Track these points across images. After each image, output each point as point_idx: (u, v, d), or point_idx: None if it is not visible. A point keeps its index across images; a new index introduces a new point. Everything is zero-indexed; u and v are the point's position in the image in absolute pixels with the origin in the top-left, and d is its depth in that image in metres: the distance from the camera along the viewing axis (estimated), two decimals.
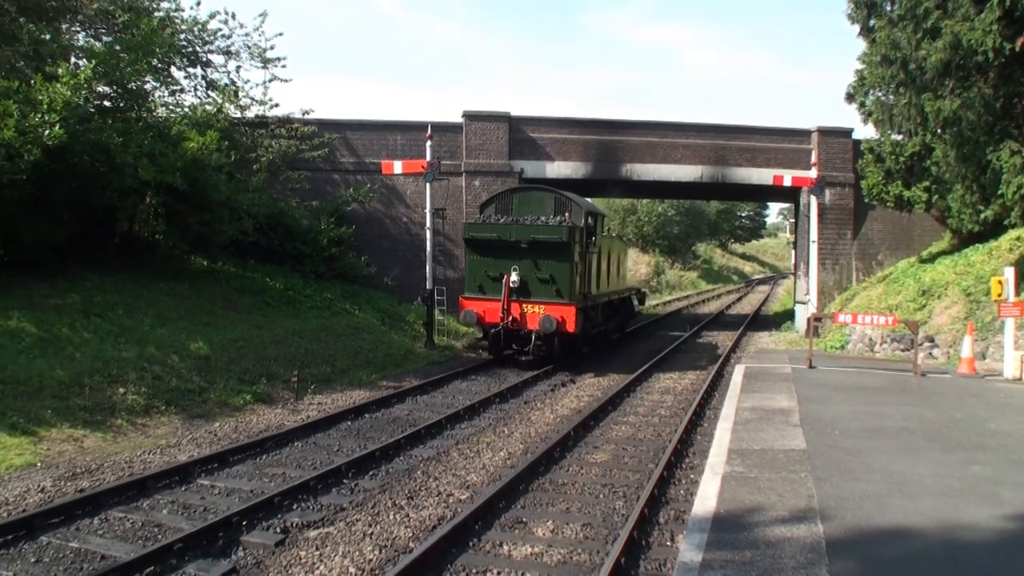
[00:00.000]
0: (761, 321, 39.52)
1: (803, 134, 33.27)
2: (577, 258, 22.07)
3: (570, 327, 21.41)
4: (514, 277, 21.92)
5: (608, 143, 32.42)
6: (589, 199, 30.30)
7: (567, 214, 22.62)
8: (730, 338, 29.91)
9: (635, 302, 31.78)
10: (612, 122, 32.97)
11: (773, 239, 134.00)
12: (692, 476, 12.24)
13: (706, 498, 9.69)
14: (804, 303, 31.63)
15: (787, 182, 29.08)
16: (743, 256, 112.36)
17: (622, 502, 11.08)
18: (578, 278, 22.23)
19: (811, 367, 20.16)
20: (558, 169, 31.91)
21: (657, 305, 46.42)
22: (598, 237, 24.28)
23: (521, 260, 21.95)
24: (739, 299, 58.49)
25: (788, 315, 37.87)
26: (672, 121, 33.27)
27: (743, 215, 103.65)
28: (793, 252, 41.53)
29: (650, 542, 9.66)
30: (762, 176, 32.58)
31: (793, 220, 45.68)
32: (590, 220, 23.37)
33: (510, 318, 21.84)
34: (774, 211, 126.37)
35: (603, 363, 24.06)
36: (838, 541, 8.10)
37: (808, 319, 23.34)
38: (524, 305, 21.86)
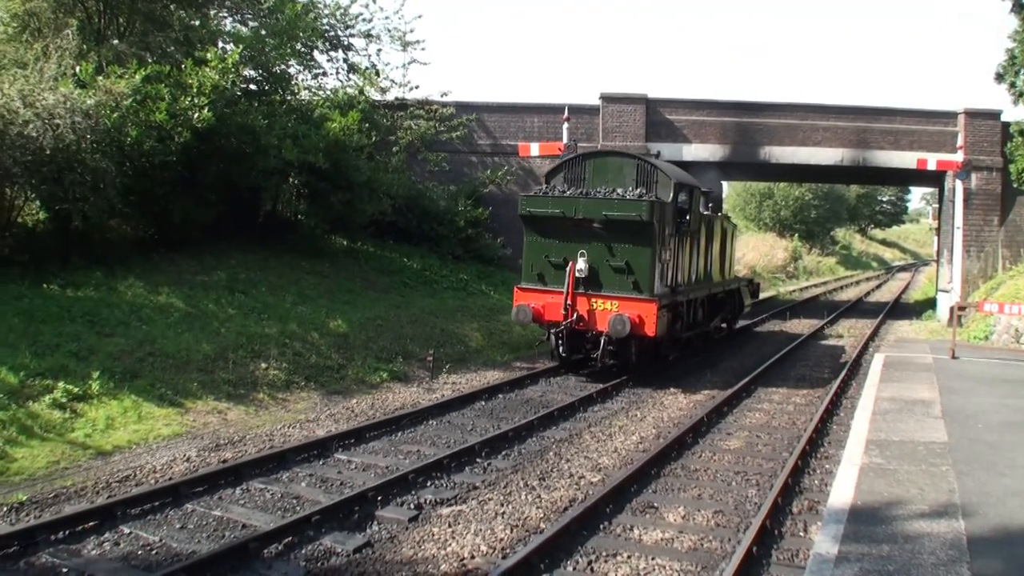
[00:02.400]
0: (901, 309, 38.21)
1: (948, 116, 31.81)
2: (662, 242, 17.56)
3: (649, 329, 16.92)
4: (581, 264, 17.42)
5: (746, 125, 31.71)
6: (723, 182, 28.85)
7: (653, 186, 18.03)
8: (869, 326, 28.96)
9: (746, 296, 26.28)
10: (751, 104, 32.22)
11: (915, 225, 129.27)
12: (827, 466, 11.87)
13: (843, 489, 9.42)
14: (947, 291, 30.47)
15: (931, 166, 28.00)
16: (883, 242, 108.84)
17: (755, 490, 10.82)
18: (663, 267, 17.77)
19: (954, 357, 19.37)
20: (695, 151, 31.38)
21: (793, 291, 45.37)
22: (693, 216, 19.46)
23: (591, 243, 17.47)
24: (879, 286, 56.71)
25: (930, 303, 36.50)
26: (813, 103, 32.23)
27: (884, 200, 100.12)
28: (936, 239, 39.98)
29: (783, 532, 9.40)
30: (905, 160, 31.28)
31: (936, 205, 44.08)
32: (682, 195, 18.72)
33: (574, 315, 17.38)
34: (916, 196, 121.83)
35: (713, 361, 23.51)
36: (980, 538, 7.76)
37: (951, 308, 22.48)
38: (593, 300, 17.39)
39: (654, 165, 18.35)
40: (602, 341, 17.33)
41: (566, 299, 17.33)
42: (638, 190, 17.77)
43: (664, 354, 19.34)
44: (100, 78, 17.48)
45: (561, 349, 18.36)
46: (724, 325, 24.90)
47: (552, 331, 18.06)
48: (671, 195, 17.98)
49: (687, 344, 20.86)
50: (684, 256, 19.21)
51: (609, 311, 17.07)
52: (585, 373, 18.40)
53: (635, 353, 17.87)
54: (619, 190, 17.82)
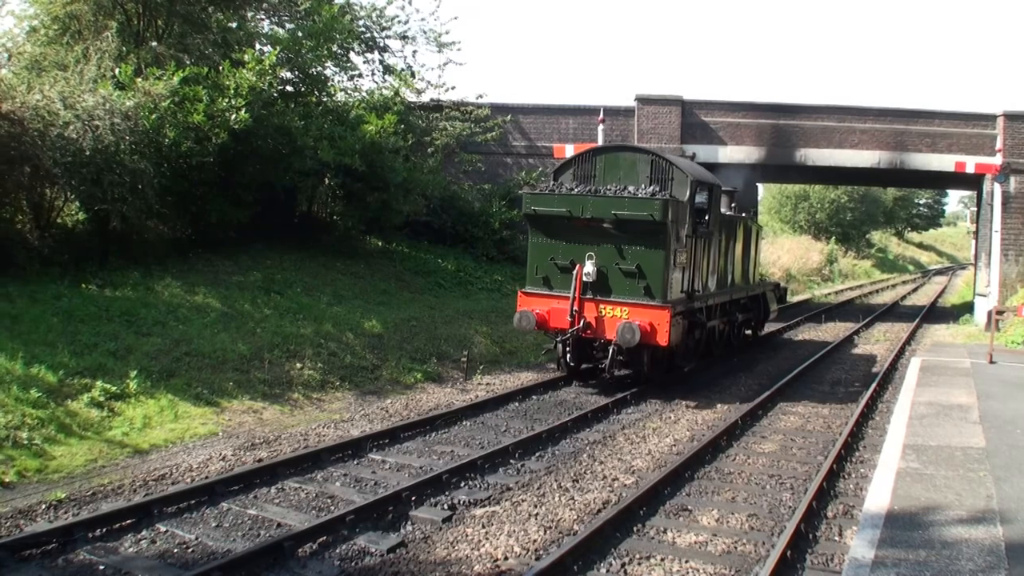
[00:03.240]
0: (938, 313, 37.77)
1: (987, 118, 31.34)
2: (677, 244, 16.29)
3: (661, 338, 15.64)
4: (588, 267, 16.23)
5: (782, 127, 31.47)
6: (759, 183, 28.19)
7: (668, 184, 16.71)
8: (905, 330, 28.64)
9: (772, 301, 24.70)
10: (787, 106, 31.96)
11: (952, 228, 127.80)
12: (863, 471, 11.75)
13: (879, 494, 9.35)
14: (984, 295, 30.07)
15: (970, 169, 27.65)
16: (920, 245, 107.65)
17: (789, 494, 10.74)
18: (678, 271, 16.50)
19: (991, 362, 19.14)
20: (730, 154, 31.19)
21: (828, 294, 45.01)
22: (713, 216, 18.11)
23: (600, 245, 16.28)
24: (915, 290, 56.12)
25: (967, 308, 36.04)
26: (849, 105, 31.93)
27: (920, 203, 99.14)
28: (973, 242, 39.54)
29: (817, 536, 9.32)
30: (943, 162, 30.85)
31: (974, 209, 43.55)
32: (701, 193, 17.48)
33: (581, 323, 16.19)
34: (954, 199, 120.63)
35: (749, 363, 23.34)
36: (1019, 545, 7.67)
37: (989, 312, 22.19)
38: (601, 306, 16.20)
39: (670, 161, 17.05)
40: (611, 350, 16.08)
41: (572, 305, 16.15)
42: (651, 188, 16.50)
43: (679, 365, 17.88)
44: (139, 80, 17.68)
45: (568, 358, 17.27)
46: (749, 332, 24.06)
47: (558, 339, 17.05)
48: (688, 193, 16.67)
49: (707, 353, 19.74)
50: (702, 259, 17.98)
51: (618, 318, 15.89)
52: (595, 384, 17.42)
53: (647, 363, 16.66)
54: (631, 188, 16.59)
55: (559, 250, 16.70)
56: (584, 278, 16.23)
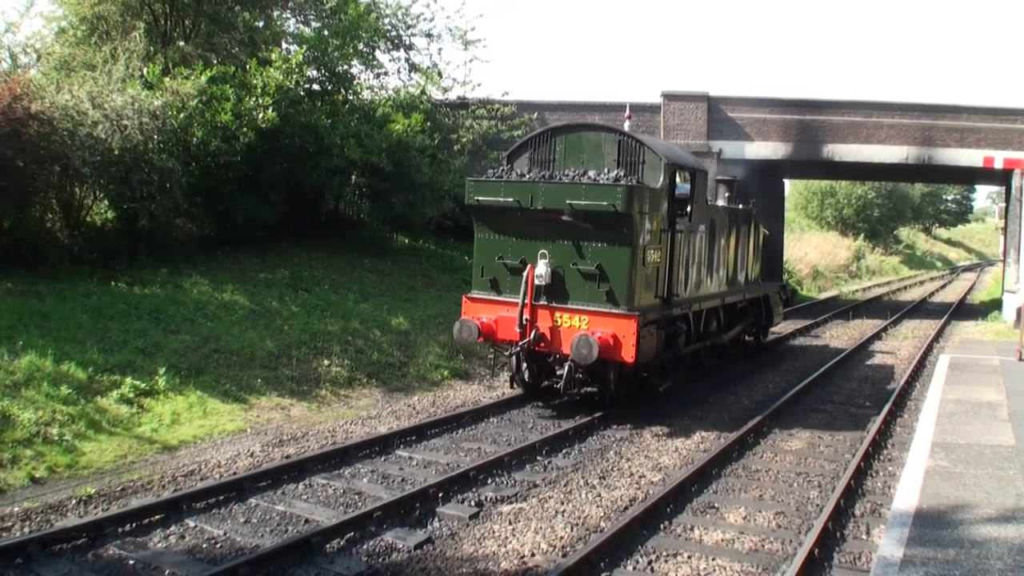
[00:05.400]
0: (966, 310, 37.39)
1: (1016, 113, 30.90)
2: (648, 239, 13.53)
3: (626, 353, 12.94)
4: (541, 268, 13.59)
5: (809, 123, 31.22)
6: (785, 180, 26.61)
7: (637, 167, 14.03)
8: (933, 327, 28.35)
9: (776, 304, 21.77)
10: (814, 101, 31.72)
11: (980, 224, 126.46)
12: (891, 469, 11.65)
13: (908, 492, 9.26)
14: (1013, 292, 29.71)
15: (998, 164, 27.35)
16: (948, 242, 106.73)
17: (816, 491, 10.65)
18: (649, 271, 13.78)
19: (1021, 359, 18.83)
20: (757, 150, 30.98)
21: (856, 291, 44.71)
22: (697, 207, 15.43)
23: (555, 241, 13.66)
24: (943, 286, 55.63)
25: (995, 304, 35.63)
26: (877, 100, 31.66)
27: (948, 199, 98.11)
28: (1002, 238, 39.03)
29: (845, 534, 9.24)
30: (971, 158, 30.50)
31: (1003, 204, 43.07)
32: (680, 179, 14.75)
33: (532, 334, 13.57)
34: (982, 195, 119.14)
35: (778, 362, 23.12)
36: None
37: (1018, 309, 21.91)
38: (557, 314, 13.54)
39: (641, 142, 14.26)
40: (567, 367, 13.64)
41: (521, 313, 13.59)
42: (615, 172, 13.63)
43: (652, 383, 14.91)
44: (167, 79, 17.82)
45: (526, 375, 15.19)
46: (750, 338, 21.15)
47: (507, 352, 14.68)
48: (661, 179, 13.96)
49: (695, 364, 17.31)
50: (683, 258, 15.07)
51: (576, 328, 13.30)
52: (555, 406, 14.87)
53: (614, 381, 14.12)
54: (591, 173, 13.74)
55: (508, 248, 14.17)
56: (536, 281, 13.66)
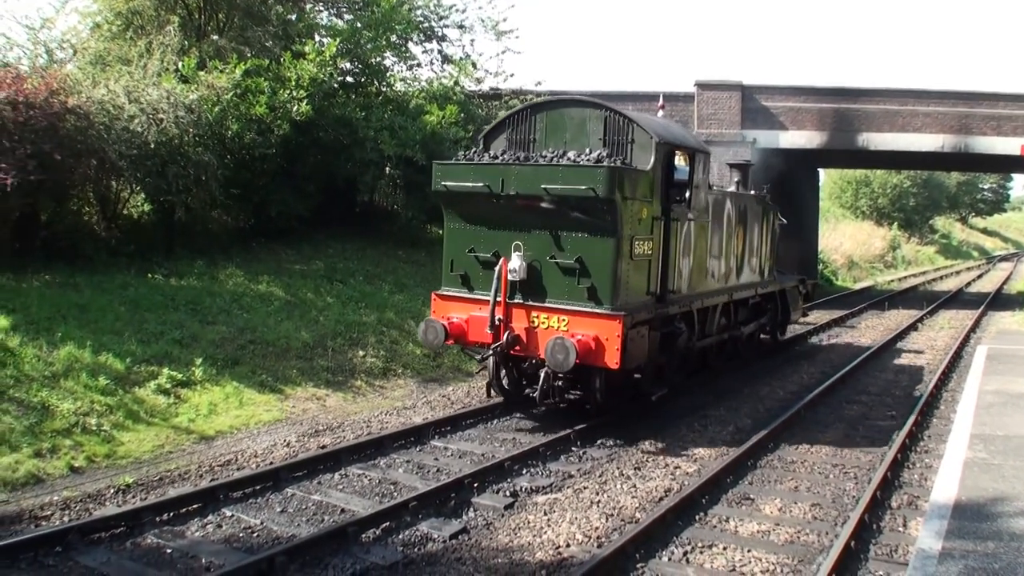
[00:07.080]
0: (1003, 300, 36.91)
1: None
2: (636, 228, 11.94)
3: (610, 358, 11.36)
4: (515, 262, 12.06)
5: (844, 111, 30.87)
6: (820, 169, 25.30)
7: (625, 147, 12.47)
8: (970, 317, 28.02)
9: (794, 300, 20.05)
10: (849, 89, 31.34)
11: (1017, 213, 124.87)
12: (928, 461, 11.53)
13: (946, 484, 9.17)
14: None
15: None
16: (984, 231, 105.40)
17: (852, 483, 10.57)
18: (640, 266, 12.22)
19: None
20: (791, 139, 30.68)
21: (891, 281, 44.34)
22: (695, 192, 13.66)
23: (531, 232, 12.12)
24: (979, 276, 54.99)
25: None
26: (912, 88, 31.24)
27: (985, 187, 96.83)
28: None
29: (881, 526, 9.15)
30: (1007, 146, 29.99)
31: None
32: (676, 161, 13.30)
33: (506, 336, 12.06)
34: (1019, 183, 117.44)
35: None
36: None
37: None
38: (533, 313, 12.01)
39: (629, 119, 12.60)
40: (543, 374, 12.04)
41: (493, 312, 12.08)
42: (597, 152, 12.00)
43: (645, 391, 13.24)
44: (202, 73, 17.93)
45: (505, 381, 13.78)
46: (766, 336, 19.70)
47: (480, 356, 13.26)
48: (652, 160, 12.29)
49: (701, 367, 15.97)
50: (681, 249, 13.42)
51: (555, 329, 11.78)
52: (536, 415, 13.63)
53: (599, 390, 12.40)
54: (571, 154, 12.13)
55: (480, 239, 12.66)
56: (510, 276, 12.12)
